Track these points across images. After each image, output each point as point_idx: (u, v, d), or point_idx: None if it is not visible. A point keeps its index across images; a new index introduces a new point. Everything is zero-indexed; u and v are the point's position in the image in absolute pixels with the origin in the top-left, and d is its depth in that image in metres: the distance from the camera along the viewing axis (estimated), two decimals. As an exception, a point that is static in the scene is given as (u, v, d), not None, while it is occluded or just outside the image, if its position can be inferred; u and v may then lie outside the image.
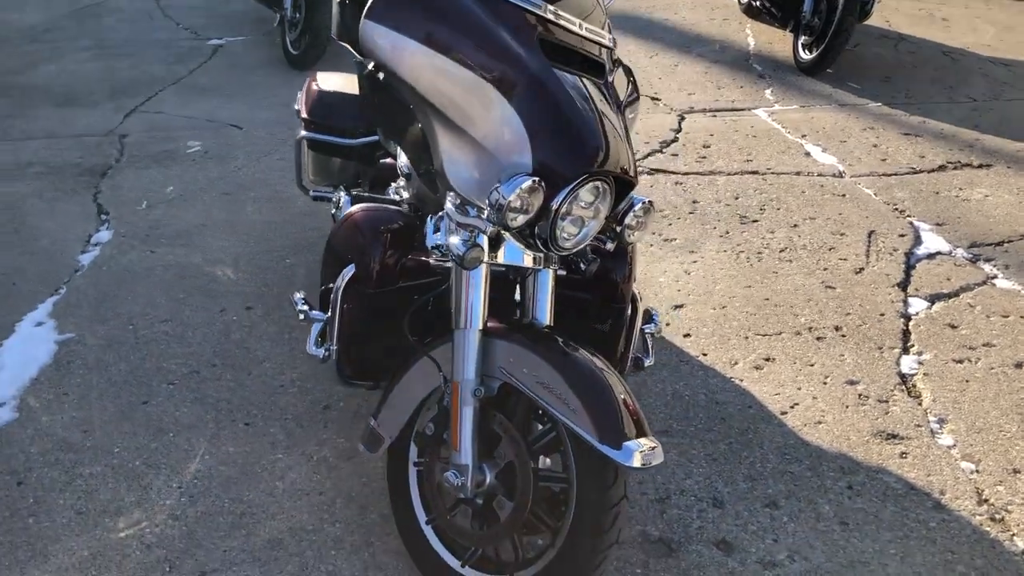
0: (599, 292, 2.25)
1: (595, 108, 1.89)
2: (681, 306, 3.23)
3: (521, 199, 1.75)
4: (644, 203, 2.07)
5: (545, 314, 2.04)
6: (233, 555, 2.18)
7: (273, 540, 2.22)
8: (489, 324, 1.98)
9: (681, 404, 2.72)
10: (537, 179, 1.77)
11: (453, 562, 2.04)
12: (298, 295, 2.20)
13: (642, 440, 1.81)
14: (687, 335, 3.07)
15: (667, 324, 3.12)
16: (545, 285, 2.04)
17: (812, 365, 2.91)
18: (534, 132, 1.79)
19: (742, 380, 2.84)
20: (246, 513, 2.30)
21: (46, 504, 2.33)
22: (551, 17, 1.84)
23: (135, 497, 2.35)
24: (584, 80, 1.92)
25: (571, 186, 1.82)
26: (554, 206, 1.82)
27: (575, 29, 1.89)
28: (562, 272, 2.13)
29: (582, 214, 1.90)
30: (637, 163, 2.00)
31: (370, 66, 1.82)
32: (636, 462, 1.76)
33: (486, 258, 1.89)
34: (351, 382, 2.18)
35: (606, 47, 2.02)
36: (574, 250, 1.95)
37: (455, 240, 1.83)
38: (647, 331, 2.38)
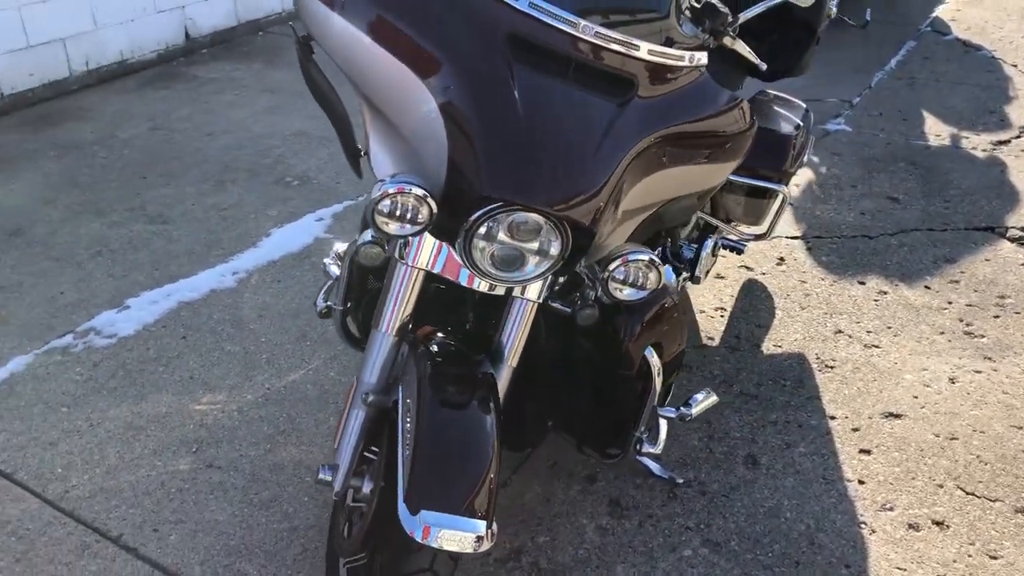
0: (602, 348, 1.89)
1: (565, 131, 1.57)
2: (898, 416, 2.51)
3: (392, 203, 1.56)
4: (641, 260, 1.68)
5: (506, 346, 1.79)
6: (241, 462, 2.36)
7: (277, 464, 2.35)
8: (430, 334, 1.82)
9: (767, 525, 2.17)
10: (422, 189, 1.56)
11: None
12: (337, 247, 2.23)
13: (464, 520, 1.54)
14: (866, 451, 2.39)
15: (854, 430, 2.46)
16: (516, 316, 1.80)
17: (995, 558, 2.08)
18: (455, 139, 1.57)
19: (875, 531, 2.15)
20: (284, 432, 2.46)
21: (180, 360, 2.76)
22: (526, 10, 1.55)
23: (234, 382, 2.66)
24: (581, 95, 1.59)
25: (482, 211, 1.56)
26: (465, 226, 1.58)
27: (571, 31, 1.56)
28: (566, 310, 1.85)
29: (522, 246, 1.62)
30: (608, 208, 1.61)
31: (301, 34, 1.74)
32: (422, 535, 1.52)
33: (412, 263, 1.72)
34: (349, 342, 2.16)
35: (642, 61, 1.63)
36: (508, 283, 1.68)
37: (368, 231, 1.71)
38: (662, 413, 1.94)
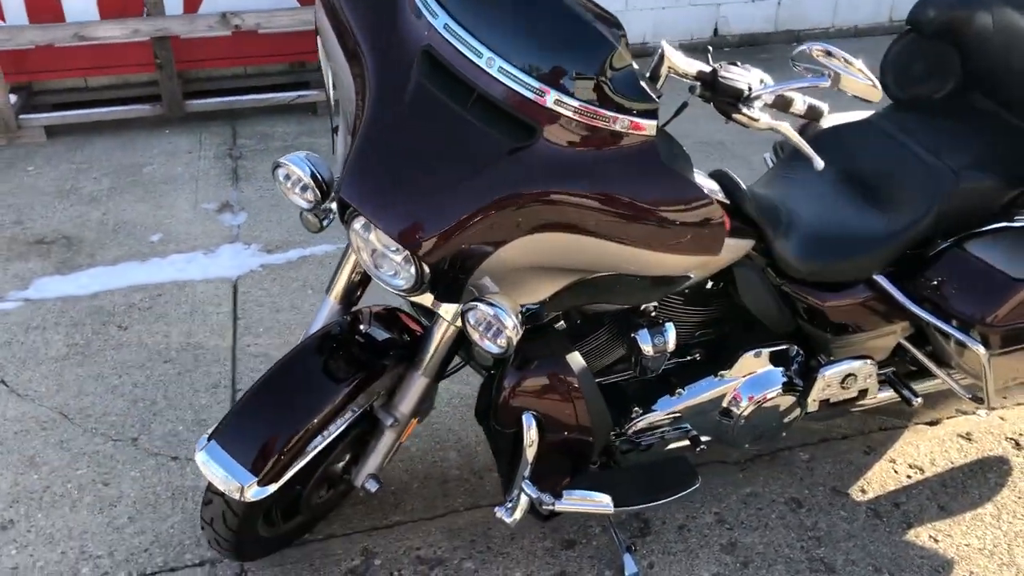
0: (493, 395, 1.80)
1: (436, 157, 1.56)
2: None
3: (283, 173, 1.75)
4: (493, 312, 1.58)
5: (422, 358, 1.86)
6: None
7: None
8: (380, 313, 1.96)
9: None
10: (300, 171, 1.72)
11: None
12: None
13: (235, 467, 1.72)
14: None
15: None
16: (433, 331, 1.85)
17: None
18: (353, 137, 1.67)
19: None
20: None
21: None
22: (442, 32, 1.56)
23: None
24: (471, 127, 1.55)
25: (350, 210, 1.64)
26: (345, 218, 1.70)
27: (476, 61, 1.53)
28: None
29: (389, 253, 1.66)
30: (454, 244, 1.53)
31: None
32: (198, 459, 1.74)
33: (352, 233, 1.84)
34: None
35: (547, 110, 1.50)
36: (381, 283, 1.72)
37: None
38: (526, 488, 1.75)
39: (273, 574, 2.08)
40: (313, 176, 1.76)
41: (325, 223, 1.88)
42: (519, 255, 1.60)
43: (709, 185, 1.95)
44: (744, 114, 1.64)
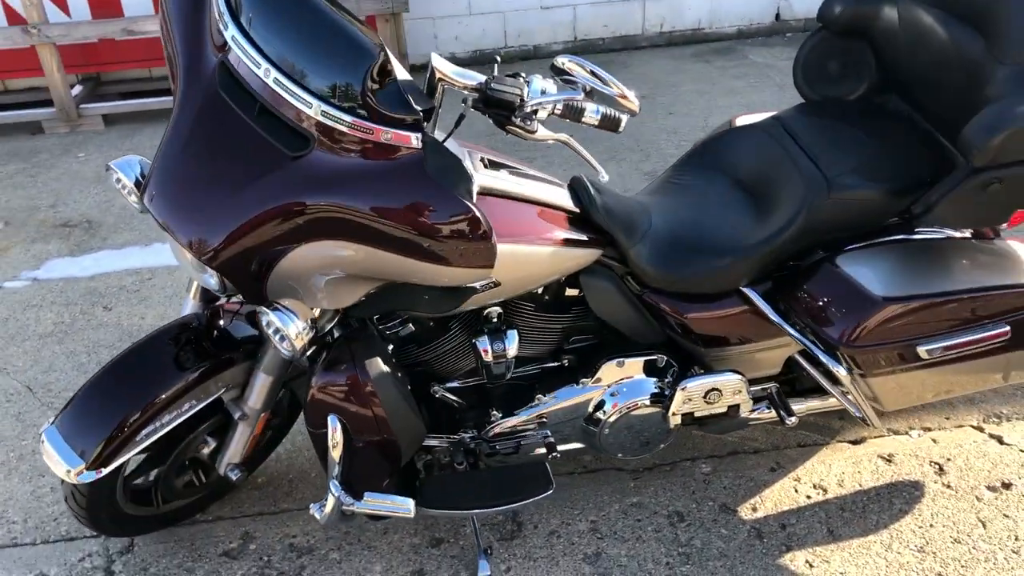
0: (310, 395, 1.86)
1: (221, 164, 1.63)
2: None
3: (119, 178, 1.84)
4: (277, 317, 1.66)
5: (263, 356, 1.94)
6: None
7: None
8: (232, 309, 2.05)
9: None
10: (125, 177, 1.81)
11: None
12: None
13: (67, 450, 1.84)
14: None
15: None
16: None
17: None
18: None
19: None
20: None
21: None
22: (231, 43, 1.62)
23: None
24: (255, 137, 1.61)
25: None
26: None
27: (256, 72, 1.58)
28: None
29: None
30: (234, 249, 1.59)
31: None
32: (42, 438, 1.88)
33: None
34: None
35: (315, 120, 1.55)
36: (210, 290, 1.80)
37: None
38: (332, 489, 1.79)
39: (157, 550, 2.21)
40: (139, 181, 1.85)
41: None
42: (311, 261, 1.65)
43: (556, 193, 1.93)
44: (518, 126, 1.62)
